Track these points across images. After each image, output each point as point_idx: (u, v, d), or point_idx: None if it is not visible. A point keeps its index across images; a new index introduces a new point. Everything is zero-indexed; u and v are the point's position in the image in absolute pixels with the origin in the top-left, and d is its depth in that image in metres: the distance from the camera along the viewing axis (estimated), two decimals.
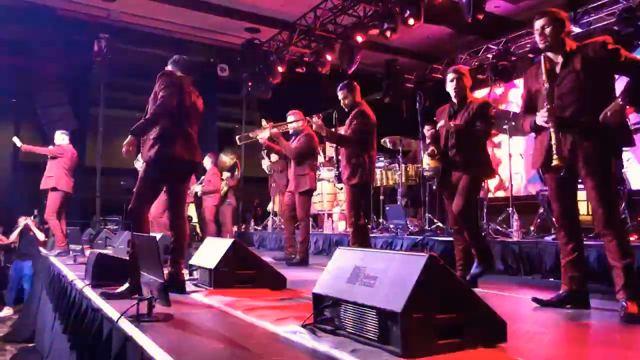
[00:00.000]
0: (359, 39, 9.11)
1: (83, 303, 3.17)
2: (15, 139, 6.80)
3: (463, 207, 3.61)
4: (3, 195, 13.88)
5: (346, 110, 4.76)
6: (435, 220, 6.73)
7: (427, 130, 4.57)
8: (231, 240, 3.48)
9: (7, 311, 8.01)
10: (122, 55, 9.76)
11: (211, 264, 3.38)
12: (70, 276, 3.97)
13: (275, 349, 1.95)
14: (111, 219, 7.97)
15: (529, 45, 9.36)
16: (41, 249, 7.59)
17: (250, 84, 10.88)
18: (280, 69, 10.49)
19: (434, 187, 4.24)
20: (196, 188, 7.85)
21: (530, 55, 9.32)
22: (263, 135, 5.79)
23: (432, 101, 7.84)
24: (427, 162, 3.91)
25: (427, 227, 6.62)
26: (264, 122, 5.89)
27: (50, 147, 6.80)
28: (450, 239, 4.60)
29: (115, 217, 8.17)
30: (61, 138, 6.79)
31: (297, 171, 5.66)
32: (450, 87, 3.83)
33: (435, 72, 11.37)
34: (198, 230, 8.97)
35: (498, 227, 5.81)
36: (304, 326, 2.14)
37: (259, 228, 10.13)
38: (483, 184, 5.58)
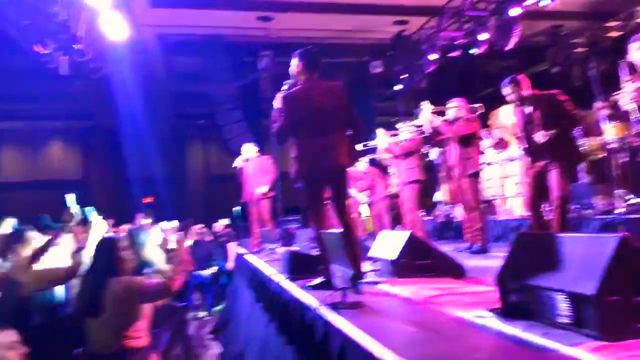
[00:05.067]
0: (515, 11, 8.58)
1: (284, 294, 3.64)
2: (237, 161, 7.52)
3: None
4: (197, 204, 16.09)
5: (513, 103, 4.60)
6: (628, 198, 6.03)
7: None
8: (408, 232, 3.65)
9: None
10: (286, 67, 10.62)
11: (391, 255, 3.59)
12: (269, 271, 4.54)
13: (465, 333, 2.07)
14: (292, 219, 8.75)
15: None
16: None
17: (404, 76, 10.97)
18: (433, 57, 10.38)
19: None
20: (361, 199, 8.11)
21: None
22: (425, 118, 5.74)
23: (608, 64, 7.05)
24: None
25: (619, 204, 5.98)
26: (424, 106, 5.84)
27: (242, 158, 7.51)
28: None
29: (295, 216, 8.95)
30: (252, 149, 7.50)
31: (462, 154, 5.57)
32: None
33: (609, 30, 10.13)
34: (369, 225, 9.33)
35: None
36: (491, 311, 2.21)
37: (429, 218, 10.14)
38: None
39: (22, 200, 15.58)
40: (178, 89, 13.11)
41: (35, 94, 12.40)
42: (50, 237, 3.67)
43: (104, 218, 4.57)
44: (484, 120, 5.51)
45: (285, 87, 3.63)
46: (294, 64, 3.60)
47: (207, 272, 8.62)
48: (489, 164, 8.22)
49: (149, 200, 13.62)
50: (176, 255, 3.25)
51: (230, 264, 9.17)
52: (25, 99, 12.90)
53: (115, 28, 8.01)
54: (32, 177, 16.19)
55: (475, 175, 5.58)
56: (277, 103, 3.58)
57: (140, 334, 3.08)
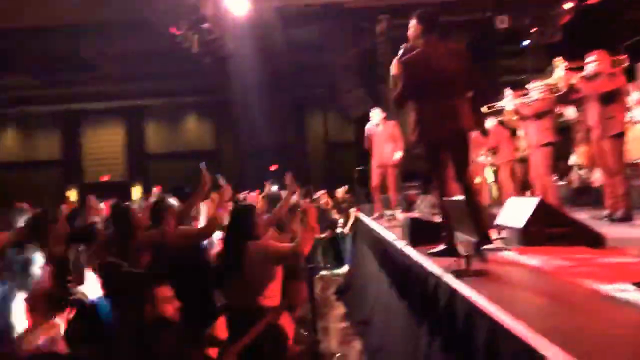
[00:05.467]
0: None
1: (405, 260, 3.66)
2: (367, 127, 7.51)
3: None
4: (318, 171, 16.62)
5: None
6: None
7: None
8: (537, 198, 3.44)
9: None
10: (403, 30, 10.35)
11: (519, 222, 3.42)
12: (390, 237, 4.59)
13: (604, 307, 1.92)
14: (412, 185, 8.63)
15: None
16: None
17: (534, 29, 10.09)
18: (568, 5, 9.38)
19: None
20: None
21: None
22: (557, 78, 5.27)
23: None
24: None
25: None
26: (558, 62, 5.36)
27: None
28: None
29: (415, 182, 8.82)
30: (380, 115, 7.33)
31: (603, 114, 5.03)
32: None
33: None
34: (494, 190, 8.92)
35: None
36: (636, 284, 2.02)
37: (563, 183, 9.38)
38: None
39: (164, 170, 17.40)
40: (297, 60, 13.45)
41: (171, 72, 13.57)
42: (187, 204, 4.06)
43: (235, 185, 4.93)
44: (629, 75, 4.88)
45: (402, 52, 3.56)
46: (412, 26, 3.51)
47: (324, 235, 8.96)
48: (635, 122, 7.32)
49: (274, 167, 14.34)
50: (305, 221, 3.40)
51: (347, 229, 9.44)
52: (163, 77, 14.17)
53: (237, 5, 8.40)
54: (172, 149, 17.91)
55: (619, 136, 5.02)
56: (395, 69, 3.53)
57: (273, 294, 3.32)
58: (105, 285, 3.00)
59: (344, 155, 16.25)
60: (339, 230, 9.88)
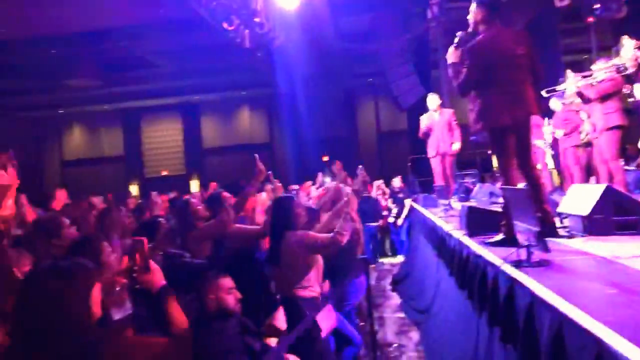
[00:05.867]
0: None
1: (464, 250, 3.59)
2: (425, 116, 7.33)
3: None
4: (370, 161, 16.52)
5: None
6: None
7: None
8: (603, 185, 3.28)
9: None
10: (456, 14, 10.07)
11: (584, 210, 3.28)
12: (447, 227, 4.51)
13: None
14: (468, 173, 8.44)
15: None
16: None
17: (597, 5, 9.52)
18: None
19: None
20: (557, 134, 7.34)
21: None
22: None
23: None
24: None
25: None
26: (625, 40, 5.06)
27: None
28: None
29: (471, 170, 8.64)
30: (436, 101, 7.18)
31: None
32: None
33: None
34: (555, 177, 8.55)
35: None
36: None
37: (631, 168, 8.85)
38: None
39: (219, 164, 17.86)
40: (348, 49, 13.37)
41: (225, 67, 13.85)
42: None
43: (287, 177, 4.98)
44: None
45: (460, 38, 3.51)
46: (474, 11, 3.44)
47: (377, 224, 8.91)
48: None
49: (326, 158, 14.40)
50: (345, 211, 3.41)
51: (402, 219, 9.34)
52: (216, 73, 14.49)
53: None
54: (226, 143, 18.32)
55: None
56: (453, 56, 3.50)
57: (310, 284, 3.33)
58: (167, 275, 3.13)
59: (396, 145, 16.07)
60: (391, 220, 9.82)
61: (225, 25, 8.37)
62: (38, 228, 2.86)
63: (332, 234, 3.31)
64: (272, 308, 3.29)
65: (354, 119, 17.81)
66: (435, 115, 7.19)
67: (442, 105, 7.46)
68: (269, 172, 4.64)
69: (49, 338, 1.46)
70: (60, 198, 5.73)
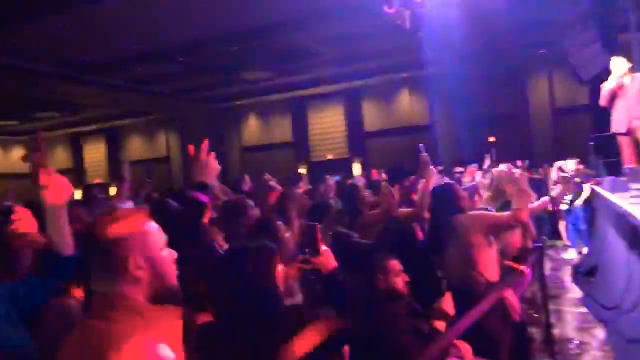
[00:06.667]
0: None
1: None
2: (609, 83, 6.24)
3: None
4: (543, 141, 15.15)
5: None
6: None
7: None
8: None
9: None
10: None
11: None
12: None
13: None
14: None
15: None
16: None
17: None
18: None
19: None
20: None
21: None
22: None
23: None
24: None
25: None
26: None
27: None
28: None
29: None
30: (624, 66, 6.05)
31: None
32: None
33: None
34: None
35: None
36: None
37: None
38: None
39: (380, 146, 18.09)
40: (516, 19, 12.34)
41: (384, 50, 13.87)
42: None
43: (451, 160, 4.81)
44: None
45: None
46: None
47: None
48: None
49: (492, 139, 13.63)
50: (520, 189, 3.27)
51: (580, 205, 8.45)
52: (376, 56, 14.58)
53: None
54: (387, 126, 18.43)
55: None
56: None
57: (488, 269, 3.21)
58: (337, 253, 3.29)
59: (574, 123, 14.49)
60: (564, 207, 8.94)
61: (385, 8, 8.37)
62: (227, 210, 3.22)
63: (509, 213, 3.23)
64: (439, 293, 3.27)
65: (524, 95, 16.45)
66: (626, 79, 6.00)
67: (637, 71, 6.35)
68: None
69: (248, 314, 1.65)
70: (247, 182, 6.48)
